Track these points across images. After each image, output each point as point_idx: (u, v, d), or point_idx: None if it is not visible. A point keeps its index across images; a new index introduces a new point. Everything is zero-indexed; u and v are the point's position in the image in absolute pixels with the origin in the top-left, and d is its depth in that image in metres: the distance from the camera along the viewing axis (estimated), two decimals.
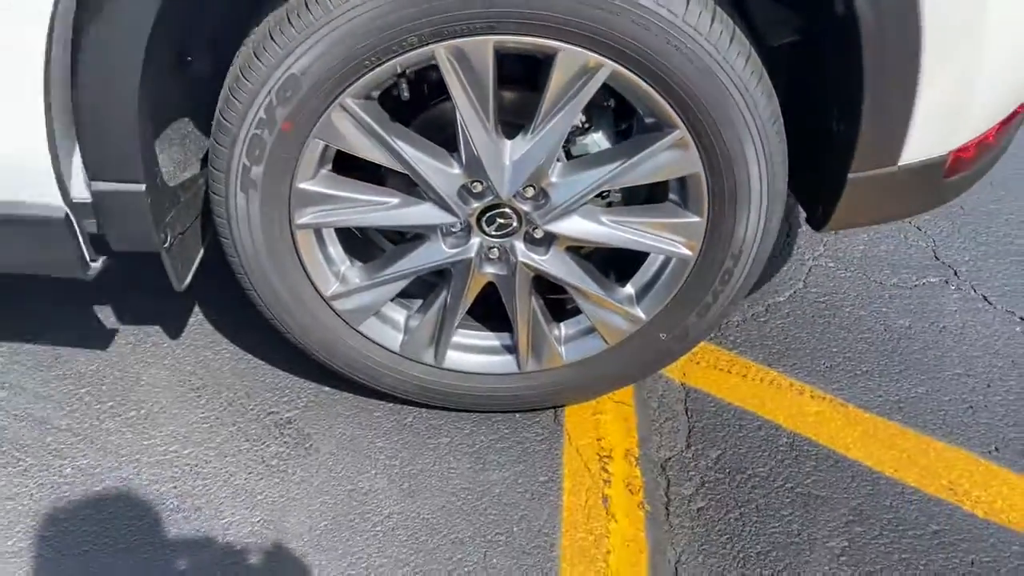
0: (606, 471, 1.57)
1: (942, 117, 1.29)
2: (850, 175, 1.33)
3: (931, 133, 1.31)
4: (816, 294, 1.98)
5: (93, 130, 1.22)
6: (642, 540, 1.46)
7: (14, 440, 1.56)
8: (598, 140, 1.37)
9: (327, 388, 1.68)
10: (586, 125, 1.37)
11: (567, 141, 1.37)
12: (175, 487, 1.50)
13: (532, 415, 1.66)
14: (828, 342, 1.85)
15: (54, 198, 1.27)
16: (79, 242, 1.32)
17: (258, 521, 1.46)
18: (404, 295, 1.53)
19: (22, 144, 1.21)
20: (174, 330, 1.80)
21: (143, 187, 1.28)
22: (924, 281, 2.02)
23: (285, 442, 1.58)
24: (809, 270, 2.04)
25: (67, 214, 1.28)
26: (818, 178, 1.40)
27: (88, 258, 1.35)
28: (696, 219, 1.37)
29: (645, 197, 1.47)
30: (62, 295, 1.85)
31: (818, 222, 1.44)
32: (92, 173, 1.26)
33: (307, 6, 1.16)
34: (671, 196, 1.38)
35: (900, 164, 1.33)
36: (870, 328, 1.88)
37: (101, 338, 1.78)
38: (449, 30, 1.16)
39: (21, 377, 1.68)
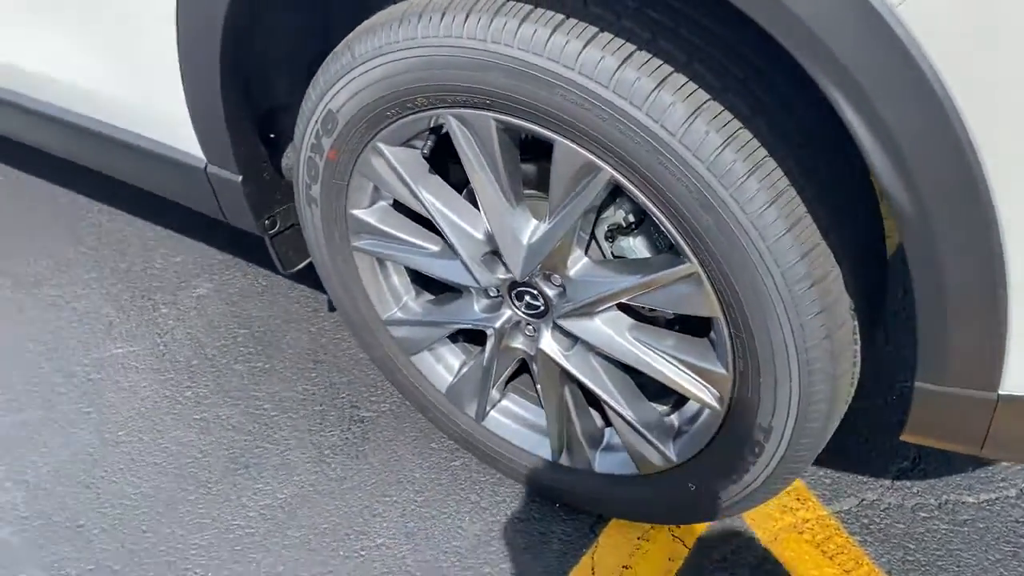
0: None
1: None
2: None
3: None
4: (1019, 513, 1.49)
5: (196, 117, 1.39)
6: None
7: (172, 356, 1.87)
8: (636, 246, 1.19)
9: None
10: (633, 225, 1.20)
11: (611, 238, 1.21)
12: (246, 440, 1.68)
13: (569, 510, 1.53)
14: None
15: (198, 153, 1.48)
16: (214, 193, 1.51)
17: (281, 498, 1.57)
18: (472, 340, 1.51)
19: (176, 108, 1.42)
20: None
21: (240, 178, 1.44)
22: None
23: (345, 438, 1.67)
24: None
25: (206, 166, 1.48)
26: None
27: (223, 209, 1.54)
28: (722, 371, 1.13)
29: (694, 327, 1.24)
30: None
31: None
32: (204, 153, 1.45)
33: (344, 50, 1.18)
34: (711, 335, 1.15)
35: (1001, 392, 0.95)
36: None
37: (274, 290, 2.01)
38: (450, 99, 1.10)
39: (209, 307, 1.99)
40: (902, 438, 1.10)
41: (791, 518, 1.50)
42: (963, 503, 1.51)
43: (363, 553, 1.48)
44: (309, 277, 1.64)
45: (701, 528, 1.49)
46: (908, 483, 1.54)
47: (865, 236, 1.08)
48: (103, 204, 2.32)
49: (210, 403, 1.76)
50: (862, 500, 1.52)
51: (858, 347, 1.07)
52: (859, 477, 1.55)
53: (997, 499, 1.51)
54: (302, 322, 1.94)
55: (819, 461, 1.57)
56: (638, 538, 1.49)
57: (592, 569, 1.44)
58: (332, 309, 1.95)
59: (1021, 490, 1.52)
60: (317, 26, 1.40)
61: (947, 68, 0.76)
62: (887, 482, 1.55)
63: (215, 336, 1.91)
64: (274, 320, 1.95)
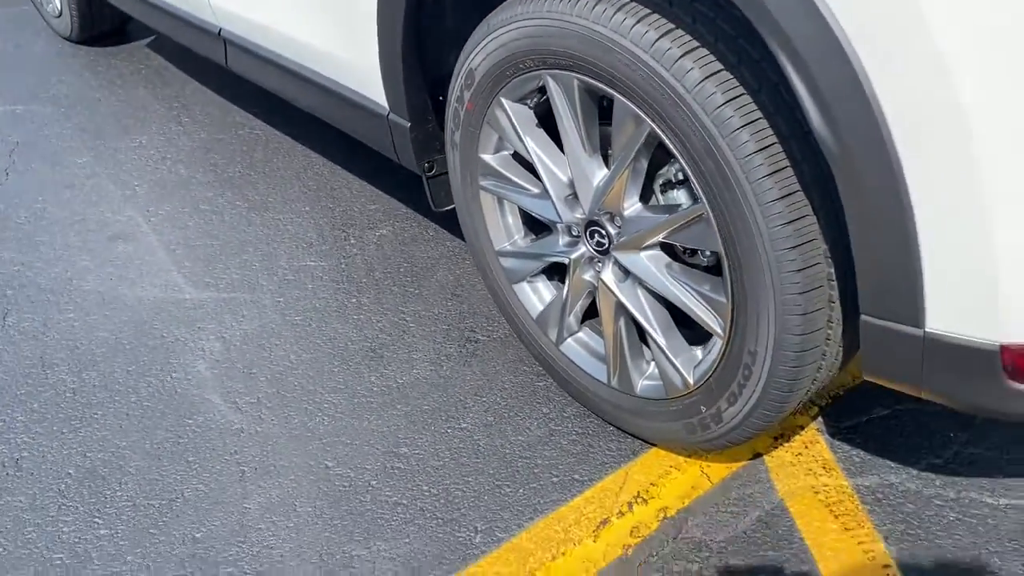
0: (625, 511, 1.66)
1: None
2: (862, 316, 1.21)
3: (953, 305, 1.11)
4: None
5: (385, 75, 1.84)
6: None
7: (349, 273, 2.35)
8: (679, 196, 1.48)
9: None
10: (680, 181, 1.49)
11: (664, 190, 1.51)
12: (386, 339, 2.10)
13: (620, 432, 1.81)
14: None
15: (383, 103, 1.93)
16: (392, 136, 1.95)
17: (401, 382, 1.98)
18: (561, 279, 1.84)
19: (372, 66, 1.88)
20: None
21: (409, 124, 1.87)
22: None
23: (460, 351, 2.05)
24: None
25: (388, 114, 1.93)
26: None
27: (395, 149, 1.97)
28: (723, 300, 1.40)
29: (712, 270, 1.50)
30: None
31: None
32: (388, 103, 1.90)
33: (484, 24, 1.58)
34: (724, 272, 1.42)
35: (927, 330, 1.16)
36: None
37: (438, 239, 2.44)
38: (548, 62, 1.46)
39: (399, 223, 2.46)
40: (864, 377, 1.31)
41: (813, 480, 1.69)
42: (981, 502, 1.63)
43: (448, 431, 1.85)
44: (460, 231, 2.04)
45: (728, 471, 1.72)
46: (933, 476, 1.68)
47: None
48: (328, 160, 2.88)
49: (368, 310, 2.21)
50: (883, 480, 1.68)
51: (835, 293, 1.30)
52: (888, 462, 1.71)
53: (1016, 505, 1.62)
54: (451, 264, 2.35)
55: (856, 442, 1.75)
56: (671, 466, 1.74)
57: (624, 479, 1.72)
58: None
59: None
60: (477, 8, 1.80)
61: (857, 38, 1.02)
62: (913, 471, 1.69)
63: (385, 265, 2.37)
64: (431, 259, 2.38)
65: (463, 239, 2.43)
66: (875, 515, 1.62)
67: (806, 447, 1.76)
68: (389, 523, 1.67)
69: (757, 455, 1.75)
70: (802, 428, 1.80)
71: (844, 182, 1.11)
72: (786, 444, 1.77)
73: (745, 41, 1.25)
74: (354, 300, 2.25)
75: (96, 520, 1.73)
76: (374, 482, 1.76)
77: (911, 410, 1.81)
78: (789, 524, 1.62)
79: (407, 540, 1.64)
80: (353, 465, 1.79)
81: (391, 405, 1.93)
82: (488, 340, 2.09)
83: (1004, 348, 1.11)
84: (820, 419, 1.81)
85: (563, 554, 1.59)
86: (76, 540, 1.69)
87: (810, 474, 1.70)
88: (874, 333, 1.22)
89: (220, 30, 2.41)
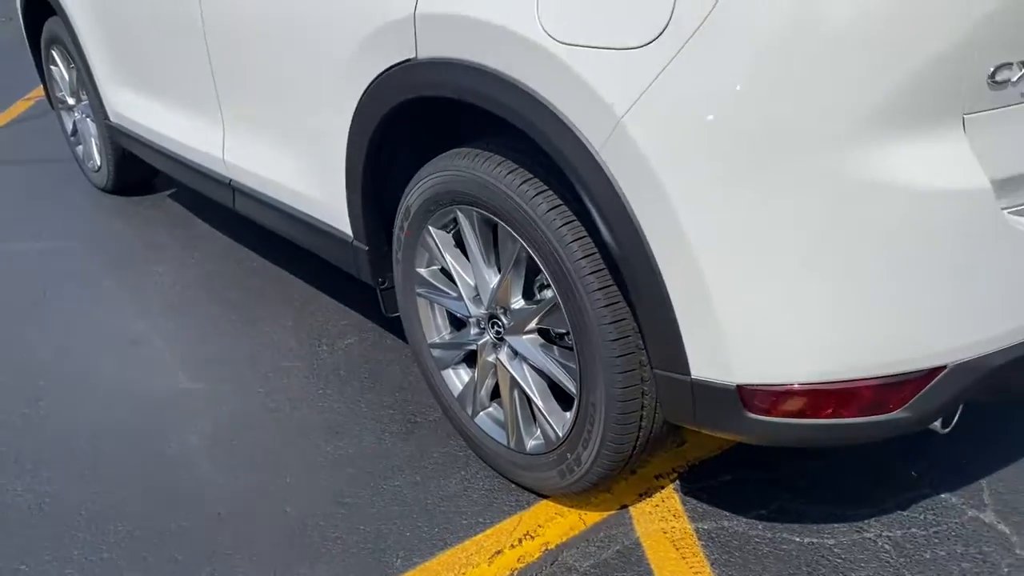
0: (516, 545, 2.12)
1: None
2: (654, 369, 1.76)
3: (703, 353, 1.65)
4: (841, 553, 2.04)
5: (350, 210, 2.45)
6: None
7: (320, 371, 2.89)
8: (547, 292, 2.04)
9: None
10: (548, 284, 2.06)
11: (540, 289, 2.08)
12: (341, 419, 2.61)
13: (519, 488, 2.29)
14: None
15: (348, 231, 2.53)
16: (354, 257, 2.53)
17: (351, 452, 2.47)
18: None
19: (339, 202, 2.49)
20: None
21: (366, 248, 2.47)
22: None
23: (400, 428, 2.56)
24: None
25: (351, 240, 2.53)
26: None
27: (356, 267, 2.56)
28: (574, 366, 1.94)
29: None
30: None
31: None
32: (351, 231, 2.50)
33: (419, 173, 2.19)
34: (574, 345, 1.96)
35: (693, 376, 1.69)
36: None
37: (396, 347, 2.99)
38: (457, 200, 2.07)
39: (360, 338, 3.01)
40: (667, 419, 1.83)
41: (664, 524, 2.15)
42: (790, 540, 2.09)
43: (384, 487, 2.33)
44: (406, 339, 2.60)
45: (600, 516, 2.19)
46: (757, 522, 2.14)
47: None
48: (310, 286, 3.48)
49: (330, 399, 2.73)
50: (718, 525, 2.14)
51: (644, 356, 1.83)
52: (724, 512, 2.18)
53: (815, 543, 2.08)
54: (402, 366, 2.89)
55: (702, 497, 2.23)
56: (556, 513, 2.21)
57: (519, 522, 2.19)
58: None
59: (839, 540, 2.08)
60: (414, 163, 2.42)
61: (626, 186, 1.61)
62: (743, 519, 2.15)
63: (349, 365, 2.91)
64: (387, 361, 2.92)
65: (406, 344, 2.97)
66: (708, 549, 2.08)
67: (663, 500, 2.23)
68: (330, 552, 2.14)
69: (624, 506, 2.22)
70: (662, 487, 2.28)
71: (627, 275, 1.68)
72: (647, 498, 2.24)
73: (574, 185, 1.85)
74: (320, 391, 2.77)
75: (101, 547, 2.19)
76: (321, 522, 2.23)
77: (750, 475, 2.29)
78: (641, 554, 2.08)
79: (343, 563, 2.10)
80: (306, 510, 2.27)
81: (341, 468, 2.42)
82: (424, 422, 2.60)
83: (739, 387, 1.64)
84: (677, 481, 2.29)
85: (464, 574, 2.05)
86: (84, 561, 2.15)
87: (663, 520, 2.17)
88: (663, 382, 1.75)
89: (230, 181, 3.05)
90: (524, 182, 1.88)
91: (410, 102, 2.05)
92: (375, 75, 2.08)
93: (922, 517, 2.11)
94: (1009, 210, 1.48)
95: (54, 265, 3.84)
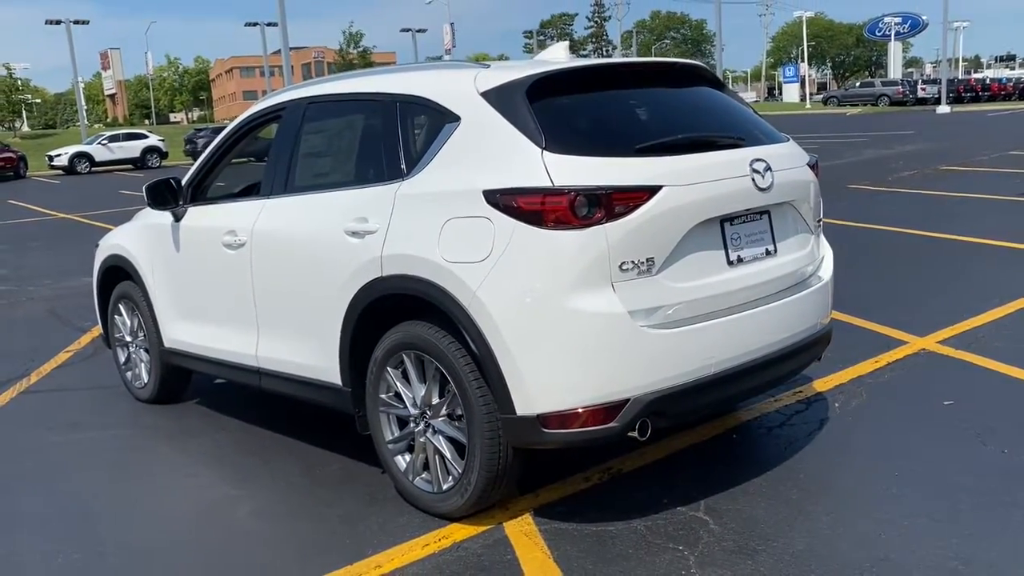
0: (431, 543, 3.74)
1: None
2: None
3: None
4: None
5: (342, 369, 4.28)
6: None
7: (312, 488, 4.54)
8: (452, 391, 3.85)
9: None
10: (449, 386, 3.86)
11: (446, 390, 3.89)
12: (327, 507, 4.25)
13: (437, 519, 3.92)
14: None
15: (338, 381, 4.32)
16: (350, 403, 4.31)
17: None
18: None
19: (333, 364, 4.31)
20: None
21: (350, 390, 4.26)
22: None
23: (352, 509, 4.19)
24: None
25: (342, 387, 4.31)
26: None
27: (344, 407, 4.33)
28: (466, 428, 3.73)
29: None
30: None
31: None
32: (342, 382, 4.31)
33: (382, 337, 4.07)
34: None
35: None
36: None
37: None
38: (403, 347, 3.93)
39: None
40: (511, 444, 3.61)
41: (521, 528, 3.80)
42: (617, 533, 3.76)
43: (337, 530, 3.95)
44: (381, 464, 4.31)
45: (486, 527, 3.82)
46: (592, 524, 3.81)
47: None
48: (308, 444, 5.16)
49: (328, 497, 4.37)
50: (553, 526, 3.80)
51: (497, 418, 3.61)
52: (558, 520, 3.85)
53: (628, 529, 3.75)
54: (369, 480, 4.55)
55: (559, 515, 3.89)
56: (458, 527, 3.85)
57: (439, 533, 3.82)
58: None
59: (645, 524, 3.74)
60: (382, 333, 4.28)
61: (480, 321, 3.51)
62: (582, 524, 3.83)
63: (342, 481, 4.56)
64: (367, 478, 4.58)
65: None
66: (545, 536, 3.73)
67: (522, 520, 3.89)
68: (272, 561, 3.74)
69: (500, 523, 3.87)
70: (521, 513, 3.94)
71: (483, 365, 3.53)
72: (520, 517, 3.90)
73: (459, 328, 3.73)
74: (316, 497, 4.41)
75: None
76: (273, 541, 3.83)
77: (576, 508, 3.97)
78: (508, 543, 3.71)
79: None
80: (272, 542, 3.88)
81: (321, 520, 4.04)
82: (384, 499, 4.24)
83: (539, 416, 3.45)
84: (530, 512, 3.96)
85: (407, 554, 3.65)
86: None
87: (520, 526, 3.82)
88: (504, 421, 3.54)
89: (259, 368, 4.87)
90: (438, 333, 3.77)
91: (378, 298, 3.98)
92: (359, 286, 4.03)
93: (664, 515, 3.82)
94: (643, 324, 3.42)
95: (104, 453, 5.47)
